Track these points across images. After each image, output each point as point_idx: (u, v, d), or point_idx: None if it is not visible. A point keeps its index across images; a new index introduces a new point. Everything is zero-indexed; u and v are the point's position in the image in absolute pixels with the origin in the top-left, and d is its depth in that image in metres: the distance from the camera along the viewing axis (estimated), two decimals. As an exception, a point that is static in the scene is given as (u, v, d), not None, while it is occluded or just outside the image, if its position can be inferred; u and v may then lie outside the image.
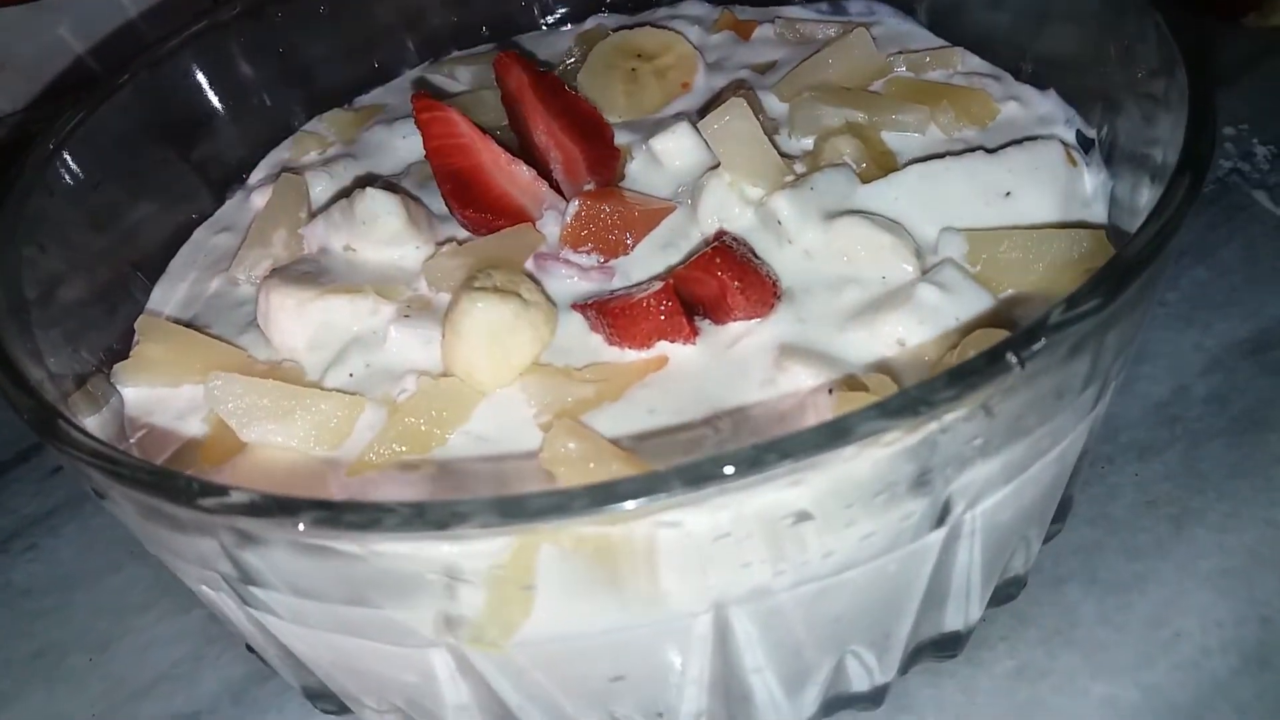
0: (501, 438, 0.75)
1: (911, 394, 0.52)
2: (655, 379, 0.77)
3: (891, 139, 0.94)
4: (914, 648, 0.75)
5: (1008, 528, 0.68)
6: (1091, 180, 0.87)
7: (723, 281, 0.76)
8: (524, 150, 0.97)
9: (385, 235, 0.89)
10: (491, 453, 0.74)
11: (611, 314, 0.77)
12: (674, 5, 1.20)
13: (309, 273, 0.87)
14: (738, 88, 1.04)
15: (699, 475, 0.50)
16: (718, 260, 0.76)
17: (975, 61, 1.03)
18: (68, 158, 0.90)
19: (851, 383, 0.70)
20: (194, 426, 0.81)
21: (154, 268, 0.99)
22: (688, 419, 0.73)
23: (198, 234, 1.03)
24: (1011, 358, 0.53)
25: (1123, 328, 0.64)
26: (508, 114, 1.01)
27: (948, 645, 0.79)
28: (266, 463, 0.75)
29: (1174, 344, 1.09)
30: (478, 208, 0.90)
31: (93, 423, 0.80)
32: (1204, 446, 0.98)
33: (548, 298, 0.81)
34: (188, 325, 0.91)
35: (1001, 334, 0.68)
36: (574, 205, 0.88)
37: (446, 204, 0.91)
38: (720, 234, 0.85)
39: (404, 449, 0.73)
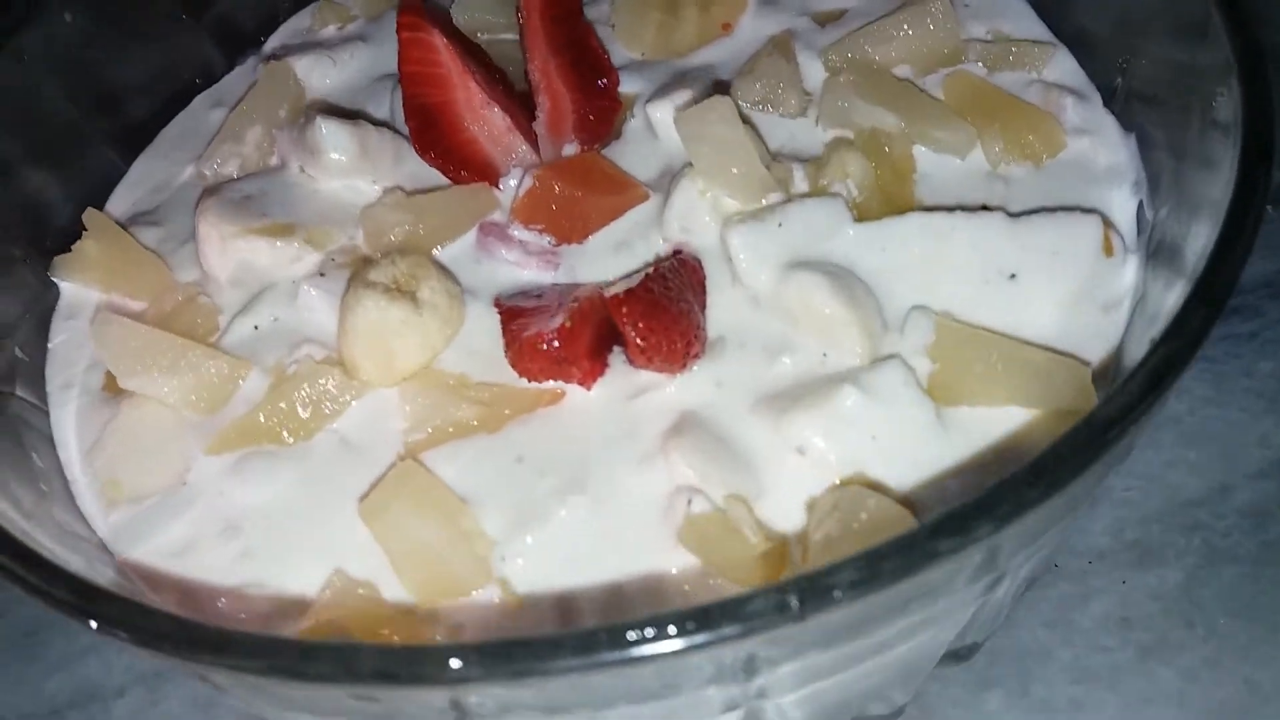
0: (364, 447, 0.71)
1: (663, 621, 0.45)
2: (543, 416, 0.71)
3: (924, 157, 0.80)
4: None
5: (842, 701, 0.60)
6: (1129, 276, 0.71)
7: (627, 333, 0.67)
8: (524, 61, 0.88)
9: (335, 169, 0.83)
10: (350, 461, 0.70)
11: (510, 333, 0.70)
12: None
13: (249, 197, 0.83)
14: (782, 42, 0.89)
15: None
16: (624, 310, 0.67)
17: (1066, 66, 0.84)
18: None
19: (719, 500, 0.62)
20: (109, 343, 0.81)
21: (147, 134, 0.96)
22: (549, 482, 0.67)
23: (196, 103, 0.99)
24: (792, 601, 0.45)
25: (1023, 534, 0.53)
26: (519, 27, 0.90)
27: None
28: (147, 411, 0.74)
29: (1238, 430, 0.92)
30: (439, 151, 0.82)
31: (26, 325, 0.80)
32: (1217, 569, 0.84)
33: (453, 295, 0.74)
34: (146, 216, 0.89)
35: (878, 500, 0.58)
36: (527, 180, 0.79)
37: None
38: (675, 253, 0.76)
39: (265, 441, 0.71)
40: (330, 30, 1.02)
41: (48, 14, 0.86)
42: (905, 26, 0.86)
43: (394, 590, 0.64)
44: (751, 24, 0.91)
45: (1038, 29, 0.88)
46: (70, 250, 0.84)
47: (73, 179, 0.89)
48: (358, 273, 0.73)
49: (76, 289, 0.84)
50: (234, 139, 0.90)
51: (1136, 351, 0.69)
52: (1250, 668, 0.80)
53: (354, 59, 0.97)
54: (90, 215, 0.85)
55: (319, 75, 0.95)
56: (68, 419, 0.77)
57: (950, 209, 0.73)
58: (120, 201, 0.92)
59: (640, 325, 0.67)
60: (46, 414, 0.78)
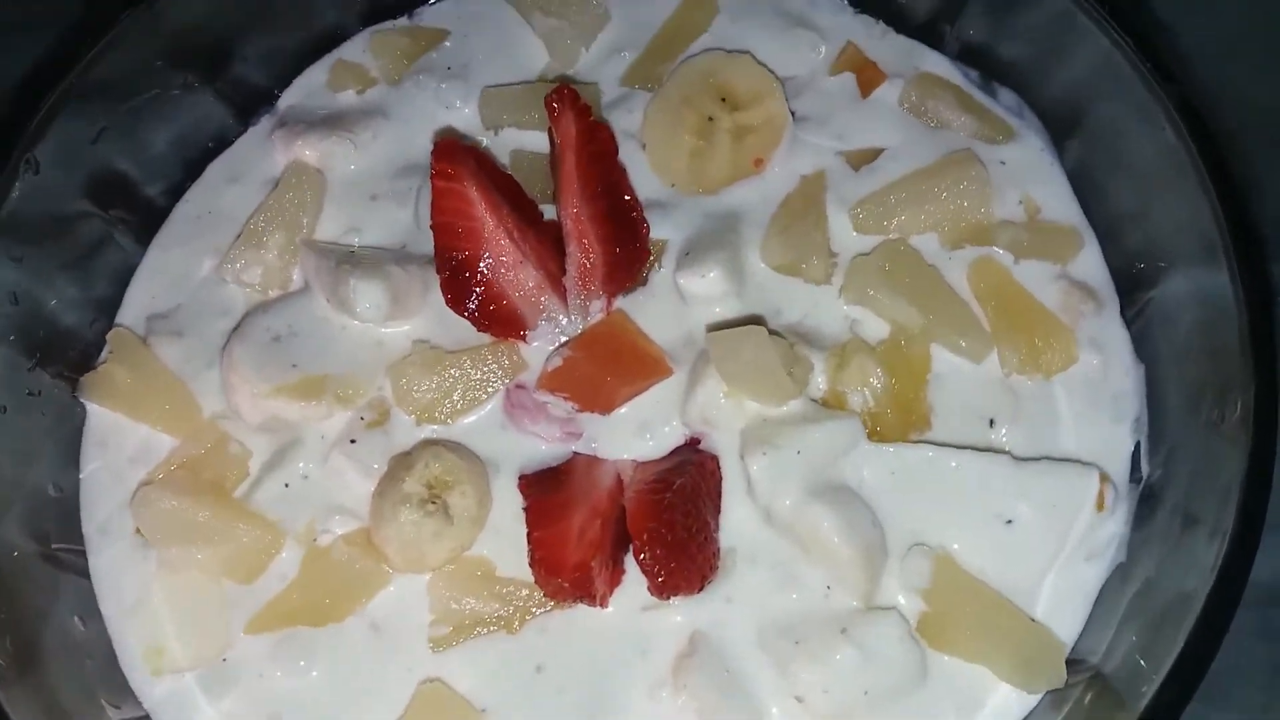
0: (391, 636, 0.77)
1: None
2: (560, 619, 0.76)
3: (940, 356, 0.82)
4: None
5: None
6: (1114, 526, 0.76)
7: (649, 575, 0.72)
8: (555, 197, 0.87)
9: (365, 318, 0.83)
10: (379, 650, 0.76)
11: (534, 548, 0.74)
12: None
13: (278, 338, 0.83)
14: (810, 192, 0.88)
15: None
16: (644, 555, 0.71)
17: (1091, 262, 0.85)
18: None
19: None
20: (140, 478, 0.83)
21: (161, 212, 0.94)
22: (568, 699, 0.74)
23: (210, 174, 0.96)
24: None
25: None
26: (551, 157, 0.88)
27: None
28: (187, 577, 0.78)
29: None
30: (469, 307, 0.83)
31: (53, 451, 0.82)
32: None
33: (482, 501, 0.77)
34: (164, 320, 0.89)
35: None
36: (555, 359, 0.81)
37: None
38: (694, 441, 0.80)
39: (300, 623, 0.76)
40: (349, 95, 0.98)
41: (64, 117, 0.83)
42: (938, 190, 0.85)
43: (423, 796, 0.72)
44: (784, 160, 0.89)
45: (1070, 205, 0.87)
46: (94, 368, 0.85)
47: (92, 274, 0.88)
48: (393, 471, 0.76)
49: (105, 413, 0.85)
50: (255, 245, 0.89)
51: (1113, 605, 0.75)
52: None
53: (375, 140, 0.94)
54: (116, 336, 0.86)
55: (340, 160, 0.93)
56: (107, 567, 0.80)
57: (960, 446, 0.77)
58: (138, 294, 0.90)
59: (662, 572, 0.71)
60: (84, 558, 0.81)
